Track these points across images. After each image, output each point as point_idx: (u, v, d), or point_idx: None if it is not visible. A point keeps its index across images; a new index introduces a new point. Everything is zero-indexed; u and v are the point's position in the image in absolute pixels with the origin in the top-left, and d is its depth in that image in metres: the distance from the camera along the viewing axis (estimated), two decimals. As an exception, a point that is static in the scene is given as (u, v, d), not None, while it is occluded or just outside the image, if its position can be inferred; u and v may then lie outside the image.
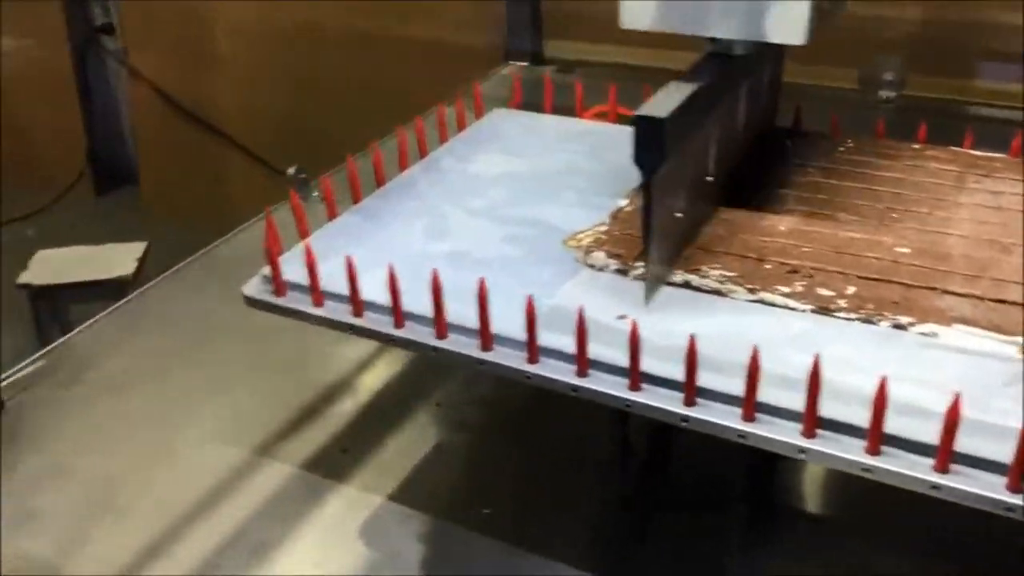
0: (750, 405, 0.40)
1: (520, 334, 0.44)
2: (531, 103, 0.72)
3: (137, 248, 1.45)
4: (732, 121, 0.55)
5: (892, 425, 0.38)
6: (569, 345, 0.43)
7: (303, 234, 0.54)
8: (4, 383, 0.63)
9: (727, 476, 0.56)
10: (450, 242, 0.54)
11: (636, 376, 0.42)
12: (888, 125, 0.64)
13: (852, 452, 0.39)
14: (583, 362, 0.43)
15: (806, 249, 0.49)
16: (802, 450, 0.39)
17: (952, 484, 0.37)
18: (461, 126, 0.68)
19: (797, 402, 0.39)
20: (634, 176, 0.56)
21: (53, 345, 0.68)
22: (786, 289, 0.46)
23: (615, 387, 0.43)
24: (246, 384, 0.65)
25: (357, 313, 0.48)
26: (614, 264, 0.49)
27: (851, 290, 0.46)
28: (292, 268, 0.50)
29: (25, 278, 1.40)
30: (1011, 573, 0.49)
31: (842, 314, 0.45)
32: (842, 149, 0.61)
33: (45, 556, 0.52)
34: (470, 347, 0.46)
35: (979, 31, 1.06)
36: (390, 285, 0.46)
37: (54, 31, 1.87)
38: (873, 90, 1.04)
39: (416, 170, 0.62)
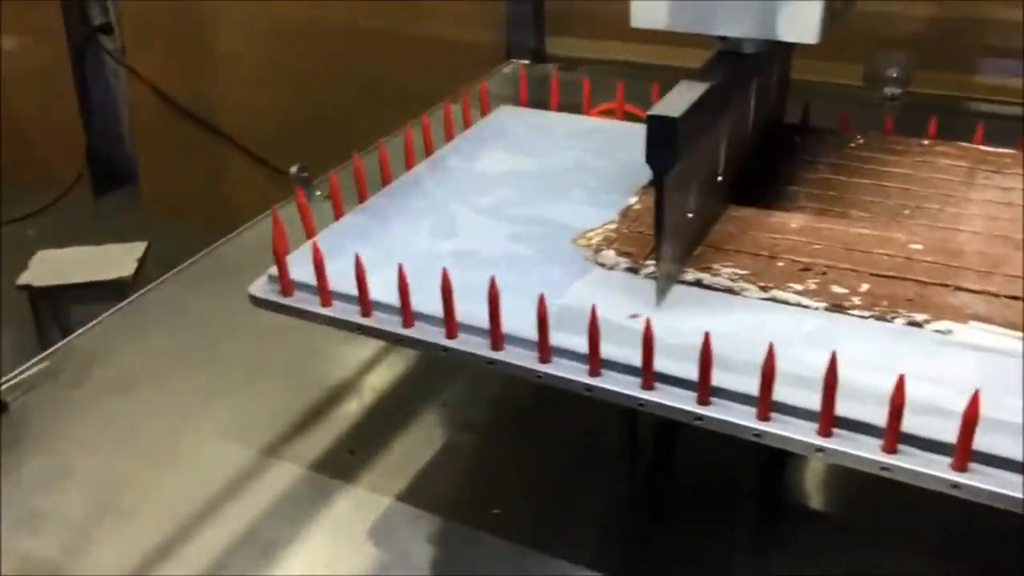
0: (765, 404, 0.40)
1: (530, 333, 0.44)
2: (535, 101, 0.72)
3: (137, 248, 1.45)
4: (743, 119, 0.55)
5: (908, 423, 0.38)
6: (581, 344, 0.43)
7: (309, 233, 0.54)
8: (7, 384, 0.62)
9: (734, 474, 0.56)
10: (458, 241, 0.54)
11: (649, 375, 0.42)
12: (894, 122, 0.63)
13: (870, 451, 0.38)
14: (595, 362, 0.43)
15: (818, 246, 0.49)
16: (819, 449, 0.39)
17: (973, 483, 0.36)
18: (467, 124, 0.68)
19: (812, 401, 0.39)
20: (643, 174, 0.57)
21: (56, 346, 0.67)
22: (799, 287, 0.46)
23: (628, 386, 0.42)
24: (251, 384, 0.64)
25: (365, 313, 0.48)
26: (625, 262, 0.49)
27: (864, 287, 0.46)
28: (299, 268, 0.50)
29: (25, 279, 1.39)
30: (1017, 573, 0.49)
31: (856, 312, 0.45)
32: (852, 145, 0.61)
33: (49, 557, 0.52)
34: (480, 347, 0.45)
35: (982, 27, 1.06)
36: (400, 284, 0.46)
37: (52, 31, 1.87)
38: (879, 87, 1.04)
39: (422, 168, 0.62)
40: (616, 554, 0.52)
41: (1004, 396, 0.39)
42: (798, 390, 0.40)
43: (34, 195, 1.88)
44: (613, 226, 0.52)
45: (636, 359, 0.42)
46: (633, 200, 0.55)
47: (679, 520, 0.53)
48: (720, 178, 0.52)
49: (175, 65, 1.77)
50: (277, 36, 1.60)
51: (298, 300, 0.50)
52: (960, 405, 0.36)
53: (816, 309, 0.45)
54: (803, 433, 0.39)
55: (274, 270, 0.50)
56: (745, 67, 0.51)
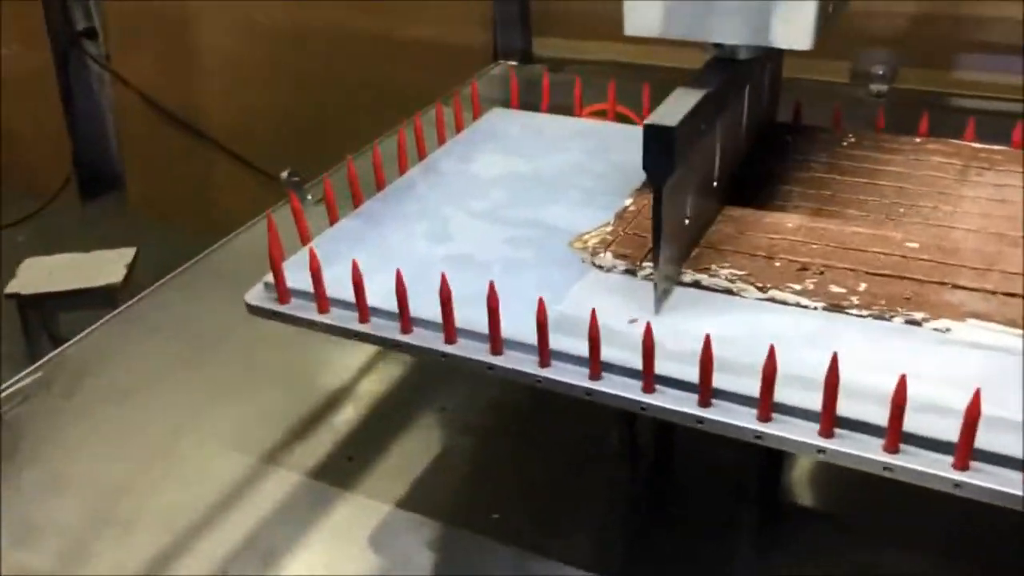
0: (766, 405, 0.40)
1: (529, 337, 0.44)
2: (524, 102, 0.72)
3: (126, 254, 1.44)
4: (737, 123, 0.55)
5: (910, 423, 0.38)
6: (580, 348, 0.43)
7: (304, 239, 0.54)
8: (2, 395, 0.62)
9: (734, 475, 0.56)
10: (454, 245, 0.53)
11: (650, 379, 0.42)
12: (882, 118, 0.63)
13: (872, 451, 0.38)
14: (596, 366, 0.43)
15: (815, 246, 0.49)
16: (821, 450, 0.39)
17: (975, 482, 0.36)
18: (459, 126, 0.68)
19: (813, 401, 0.39)
20: (637, 175, 0.57)
21: (50, 356, 0.67)
22: (797, 287, 0.46)
23: (629, 390, 0.42)
24: (246, 392, 0.64)
25: (363, 319, 0.48)
26: (622, 265, 0.49)
27: (862, 286, 0.46)
28: (295, 274, 0.50)
29: (13, 287, 1.38)
30: (1018, 571, 0.49)
31: (855, 311, 0.45)
32: (844, 144, 0.61)
33: (48, 569, 0.51)
34: (480, 352, 0.45)
35: (967, 24, 1.06)
36: (398, 290, 0.45)
37: (36, 36, 1.85)
38: (865, 84, 1.04)
39: (416, 172, 0.62)
40: (617, 557, 0.52)
41: (1004, 393, 0.39)
42: (799, 391, 0.40)
43: (20, 202, 1.87)
44: (609, 228, 0.52)
45: (635, 362, 0.42)
46: (628, 202, 0.55)
47: (679, 522, 0.53)
48: (716, 182, 0.52)
49: (161, 69, 1.76)
50: (263, 39, 1.60)
51: (295, 307, 0.49)
52: (960, 403, 0.36)
53: (815, 309, 0.45)
54: (804, 434, 0.40)
55: (270, 277, 0.50)
56: (739, 72, 0.51)
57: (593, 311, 0.42)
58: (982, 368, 0.41)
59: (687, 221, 0.48)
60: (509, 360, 0.45)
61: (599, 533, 0.53)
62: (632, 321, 0.45)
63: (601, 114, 0.70)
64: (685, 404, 0.41)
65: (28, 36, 1.87)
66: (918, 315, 0.44)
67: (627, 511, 0.55)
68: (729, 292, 0.47)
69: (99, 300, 1.34)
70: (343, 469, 0.56)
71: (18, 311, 1.38)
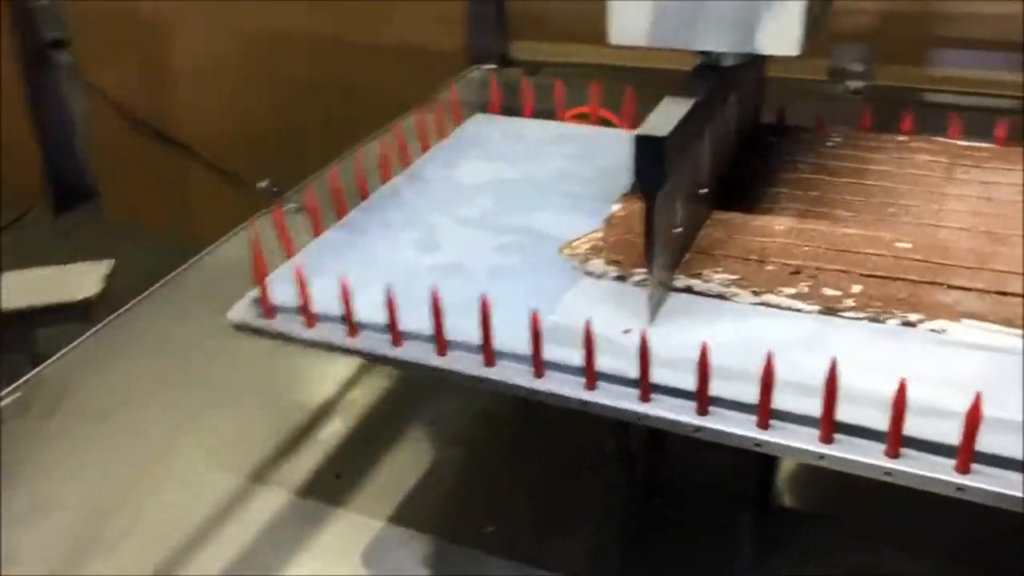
0: (765, 412, 0.39)
1: (522, 348, 0.43)
2: (504, 106, 0.71)
3: (102, 267, 1.42)
4: (725, 128, 0.55)
5: (909, 426, 0.37)
6: (575, 358, 0.42)
7: (288, 253, 0.53)
8: (-21, 417, 0.61)
9: (730, 478, 0.56)
10: (442, 254, 0.53)
11: (647, 389, 0.41)
12: (860, 116, 0.63)
13: (873, 456, 0.38)
14: (591, 376, 0.42)
15: (806, 248, 0.49)
16: (821, 456, 0.39)
17: (978, 485, 0.36)
18: (440, 132, 0.67)
19: (811, 407, 0.39)
20: (624, 179, 0.56)
21: (27, 376, 0.65)
22: (791, 290, 0.46)
23: (625, 400, 0.42)
24: (230, 409, 0.63)
25: (352, 334, 0.47)
26: (613, 271, 0.48)
27: (856, 288, 0.45)
28: (280, 289, 0.49)
29: (-12, 303, 1.36)
30: (1019, 573, 0.49)
31: (850, 314, 0.44)
32: (829, 144, 0.61)
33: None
34: (472, 364, 0.44)
35: (940, 19, 1.07)
36: (388, 303, 0.45)
37: (2, 47, 1.83)
38: (842, 80, 1.04)
39: (400, 180, 0.61)
40: (612, 568, 0.51)
41: (1003, 393, 0.39)
42: (797, 397, 0.39)
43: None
44: (599, 234, 0.52)
45: (631, 371, 0.41)
46: (616, 207, 0.54)
47: (675, 525, 0.53)
48: (706, 187, 0.51)
49: (132, 79, 1.74)
50: (236, 47, 1.58)
51: (281, 323, 0.48)
52: (960, 404, 0.36)
53: (809, 312, 0.45)
54: (804, 440, 0.39)
55: (255, 293, 0.49)
56: (726, 78, 0.51)
57: (587, 322, 0.41)
58: (980, 369, 0.41)
59: (678, 230, 0.47)
60: (502, 372, 0.44)
61: (595, 542, 0.53)
62: (626, 331, 0.44)
63: (583, 117, 0.70)
64: (683, 413, 0.41)
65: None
66: (913, 316, 0.44)
67: (622, 520, 0.55)
68: (722, 297, 0.46)
69: (76, 314, 1.32)
70: (332, 485, 0.55)
71: (-7, 327, 1.36)
